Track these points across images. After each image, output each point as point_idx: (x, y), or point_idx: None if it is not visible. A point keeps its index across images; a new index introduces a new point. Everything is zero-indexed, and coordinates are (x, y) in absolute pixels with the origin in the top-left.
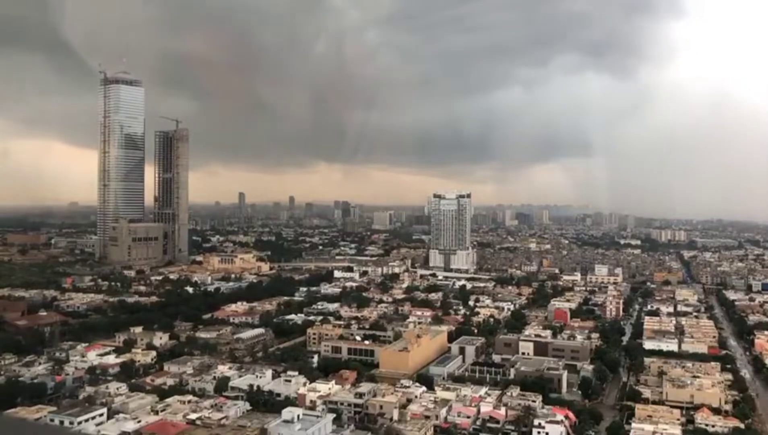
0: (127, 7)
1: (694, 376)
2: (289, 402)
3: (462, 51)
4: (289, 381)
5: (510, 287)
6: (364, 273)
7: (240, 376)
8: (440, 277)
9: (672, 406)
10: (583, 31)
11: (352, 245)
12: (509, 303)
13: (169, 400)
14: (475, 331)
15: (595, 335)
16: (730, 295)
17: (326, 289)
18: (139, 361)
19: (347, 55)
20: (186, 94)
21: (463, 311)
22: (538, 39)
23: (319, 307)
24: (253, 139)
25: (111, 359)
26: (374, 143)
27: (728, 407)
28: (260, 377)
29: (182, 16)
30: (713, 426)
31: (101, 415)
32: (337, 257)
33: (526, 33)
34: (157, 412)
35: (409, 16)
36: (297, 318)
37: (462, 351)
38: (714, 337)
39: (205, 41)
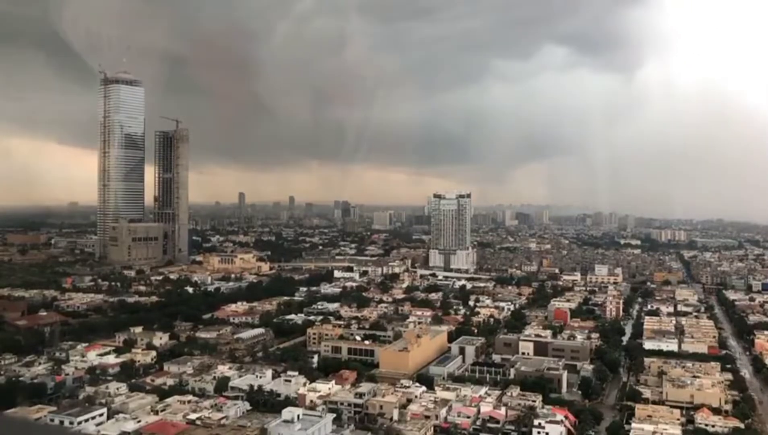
0: (121, 6)
1: (694, 376)
2: (289, 402)
3: (455, 48)
4: (289, 381)
5: (510, 287)
6: (364, 273)
7: (240, 376)
8: (440, 277)
9: (672, 406)
10: (576, 25)
11: (352, 245)
12: (509, 303)
13: (169, 400)
14: (475, 331)
15: (595, 335)
16: (730, 295)
17: (326, 289)
18: (139, 361)
19: (331, 52)
20: (175, 92)
21: (463, 311)
22: (529, 33)
23: (319, 307)
24: (246, 137)
25: (111, 359)
26: (366, 142)
27: (728, 407)
28: (260, 377)
29: (174, 17)
30: (713, 426)
31: (101, 415)
32: (337, 257)
33: (519, 27)
34: (157, 412)
35: (404, 11)
36: (297, 318)
37: (462, 351)
38: (714, 337)
39: (194, 41)
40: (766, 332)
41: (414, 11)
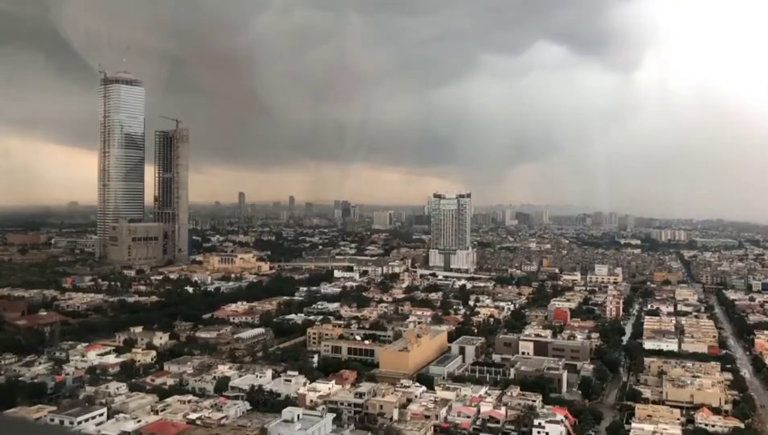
0: (121, 6)
1: (694, 376)
2: (289, 402)
3: (454, 47)
4: (289, 381)
5: (510, 287)
6: (364, 273)
7: (240, 376)
8: (440, 277)
9: (672, 406)
10: (574, 24)
11: (352, 245)
12: (509, 303)
13: (169, 400)
14: (475, 330)
15: (595, 335)
16: (730, 294)
17: (326, 288)
18: (139, 361)
19: (329, 51)
20: (175, 92)
21: (463, 311)
22: (528, 32)
23: (319, 306)
24: (245, 137)
25: (111, 359)
26: (363, 141)
27: (728, 407)
28: (260, 377)
29: (174, 16)
30: (713, 426)
31: (101, 415)
32: (337, 257)
33: (516, 25)
34: (157, 412)
35: (403, 9)
36: (297, 318)
37: (462, 351)
38: (714, 336)
39: (193, 40)
40: (766, 332)
41: (413, 9)
